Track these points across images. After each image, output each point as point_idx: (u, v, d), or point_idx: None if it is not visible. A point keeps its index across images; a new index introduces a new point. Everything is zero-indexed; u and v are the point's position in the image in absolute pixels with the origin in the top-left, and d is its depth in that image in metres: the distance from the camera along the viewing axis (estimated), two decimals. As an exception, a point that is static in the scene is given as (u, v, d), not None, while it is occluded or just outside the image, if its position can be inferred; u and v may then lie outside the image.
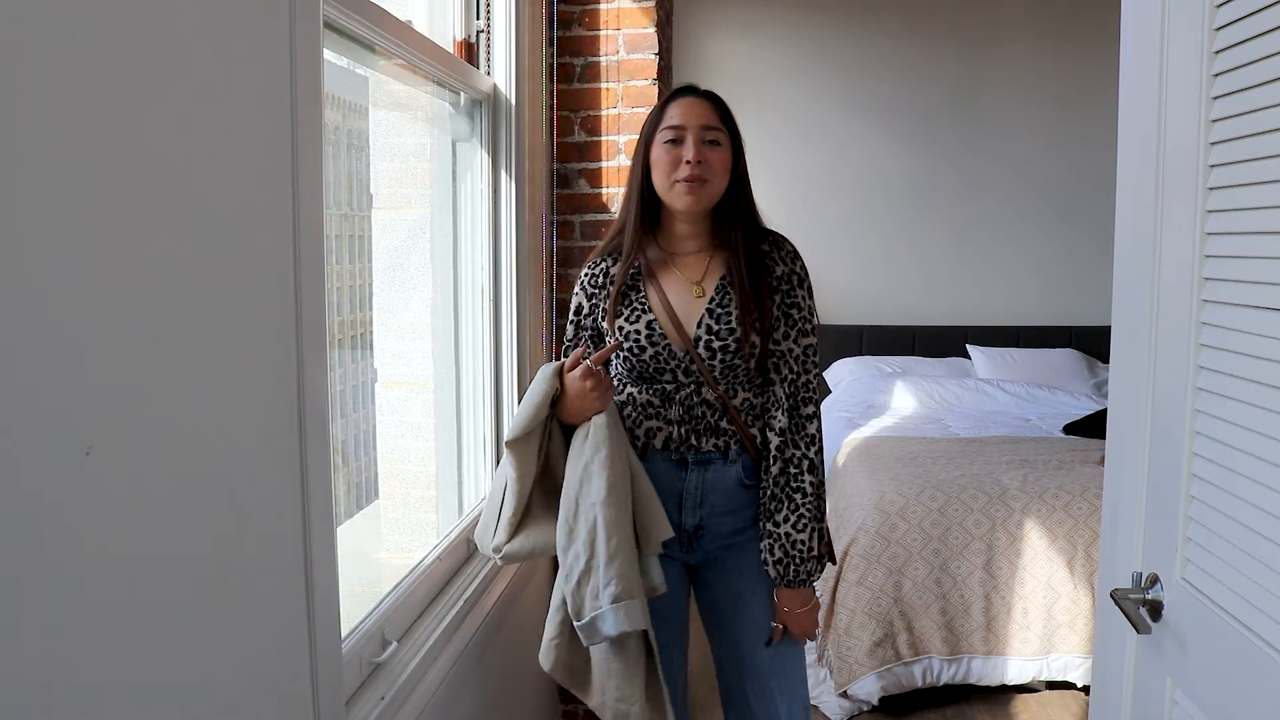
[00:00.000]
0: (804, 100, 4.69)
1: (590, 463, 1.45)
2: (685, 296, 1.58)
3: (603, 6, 2.35)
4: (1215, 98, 0.98)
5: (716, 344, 1.54)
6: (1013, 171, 4.69)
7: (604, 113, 2.38)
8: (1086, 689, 2.67)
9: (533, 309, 2.24)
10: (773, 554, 1.56)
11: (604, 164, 2.39)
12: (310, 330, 1.08)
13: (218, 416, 0.91)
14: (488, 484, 2.12)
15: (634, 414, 1.62)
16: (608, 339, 1.61)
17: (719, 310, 1.56)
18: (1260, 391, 0.91)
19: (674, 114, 1.55)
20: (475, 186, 2.06)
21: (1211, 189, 0.99)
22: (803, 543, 1.55)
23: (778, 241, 1.62)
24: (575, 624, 1.45)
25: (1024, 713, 2.75)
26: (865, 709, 2.69)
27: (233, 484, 0.94)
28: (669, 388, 1.58)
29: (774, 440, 1.57)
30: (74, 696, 0.72)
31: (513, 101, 2.08)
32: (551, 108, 2.36)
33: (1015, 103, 4.65)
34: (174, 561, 0.85)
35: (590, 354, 1.52)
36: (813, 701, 2.73)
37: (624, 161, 2.38)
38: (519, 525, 1.51)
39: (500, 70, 2.07)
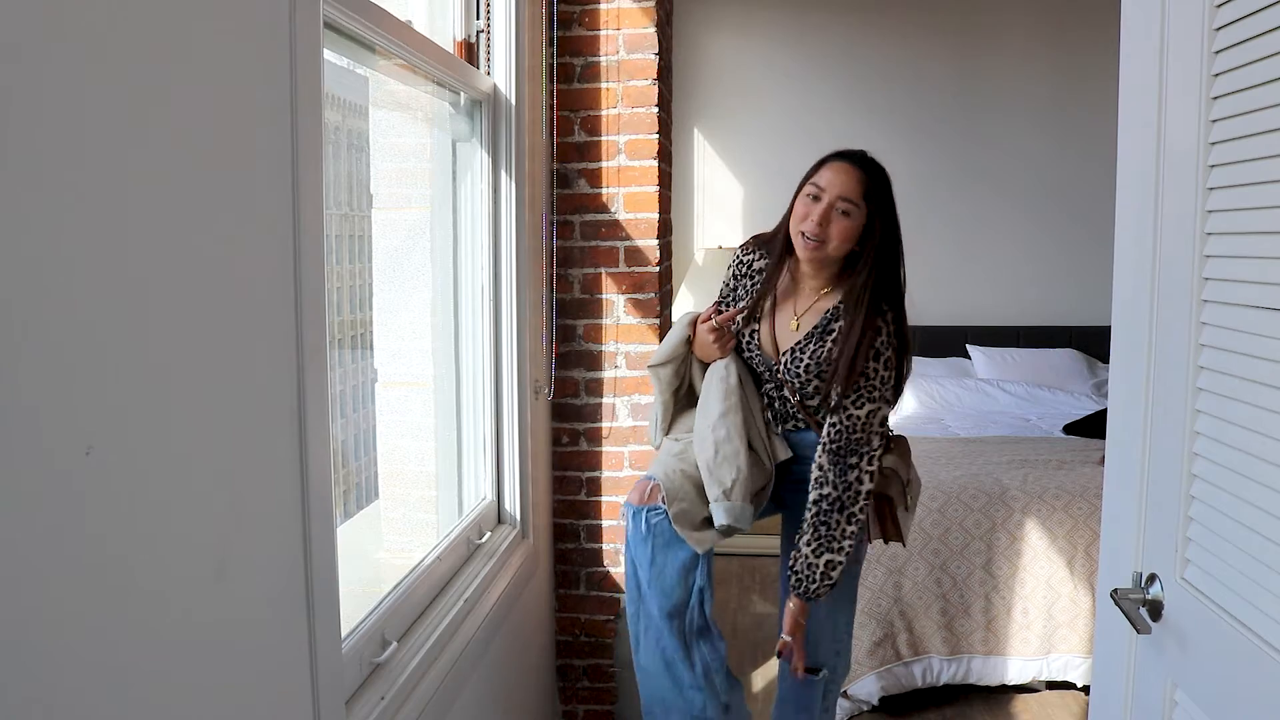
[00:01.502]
0: (803, 100, 4.69)
1: (710, 396, 1.80)
2: (786, 324, 1.81)
3: (603, 6, 2.35)
4: (1215, 98, 0.98)
5: (789, 377, 1.79)
6: (1013, 171, 4.69)
7: (604, 113, 2.38)
8: (1086, 689, 2.67)
9: (533, 309, 2.24)
10: (794, 569, 1.74)
11: (604, 164, 2.39)
12: (310, 330, 1.08)
13: (218, 416, 0.91)
14: (488, 483, 2.12)
15: None
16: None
17: (798, 354, 1.78)
18: (1260, 391, 0.91)
19: (823, 176, 1.72)
20: (475, 186, 2.06)
21: (1211, 189, 0.99)
22: (814, 565, 1.71)
23: (886, 321, 1.73)
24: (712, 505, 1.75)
25: (1024, 713, 2.75)
26: (865, 709, 2.69)
27: (233, 484, 0.94)
28: (763, 376, 1.85)
29: (814, 474, 1.74)
30: (74, 696, 0.72)
31: (513, 101, 2.08)
32: (551, 108, 2.36)
33: (1015, 102, 4.65)
34: (174, 561, 0.85)
35: (720, 311, 1.85)
36: (813, 701, 2.73)
37: (624, 161, 2.39)
38: (670, 426, 1.91)
39: (500, 70, 2.07)
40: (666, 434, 1.91)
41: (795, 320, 1.79)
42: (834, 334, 1.74)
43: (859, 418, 1.71)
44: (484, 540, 2.00)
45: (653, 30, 2.35)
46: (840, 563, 1.71)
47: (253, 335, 0.99)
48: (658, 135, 2.38)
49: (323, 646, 1.12)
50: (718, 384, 1.80)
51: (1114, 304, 1.22)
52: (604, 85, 2.37)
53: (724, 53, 4.72)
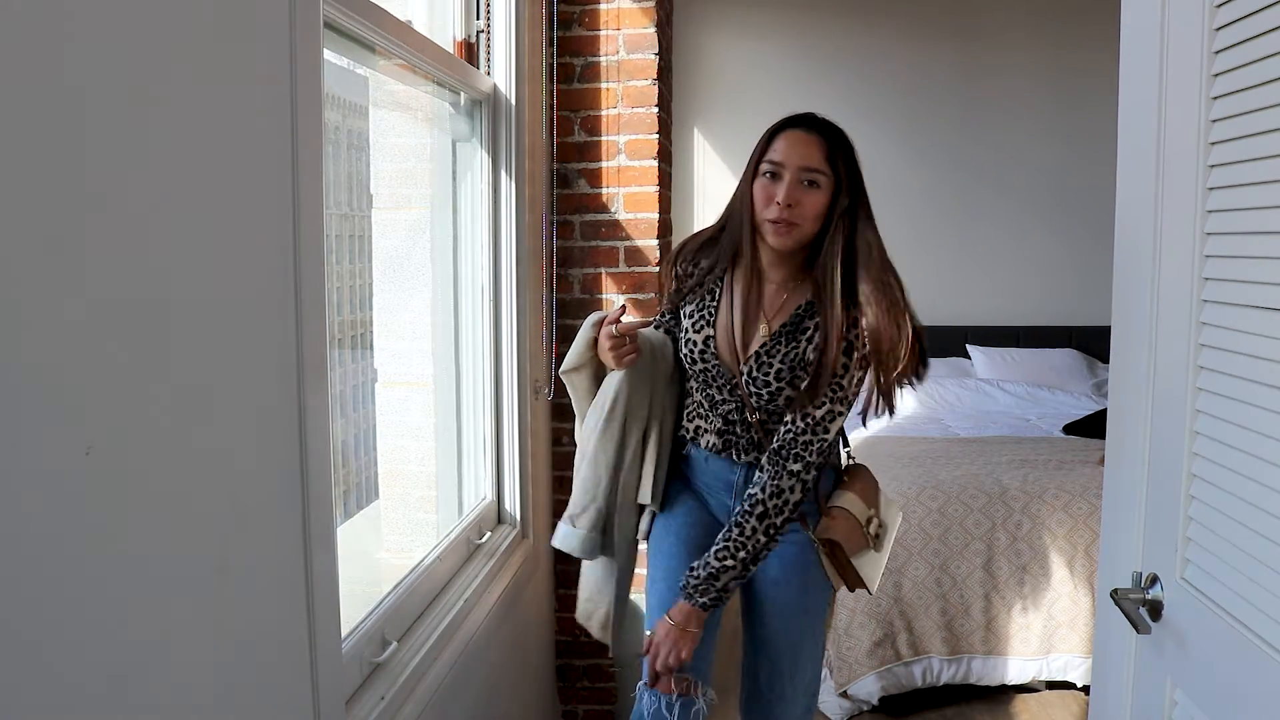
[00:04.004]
0: (803, 100, 4.64)
1: (593, 411, 1.65)
2: (752, 325, 1.57)
3: (603, 6, 2.35)
4: (1215, 98, 0.98)
5: (754, 388, 1.56)
6: (1012, 171, 4.69)
7: (604, 113, 2.38)
8: (1086, 689, 2.67)
9: (533, 309, 2.24)
10: (691, 566, 1.56)
11: (604, 164, 2.39)
12: (310, 330, 1.08)
13: (218, 416, 0.91)
14: (488, 483, 2.12)
15: (690, 406, 1.69)
16: (682, 322, 1.64)
17: (765, 357, 1.54)
18: (1260, 391, 0.91)
19: (778, 148, 1.51)
20: (475, 186, 2.06)
21: (1211, 189, 0.99)
22: (706, 564, 1.52)
23: (865, 307, 1.52)
24: None
25: (1024, 713, 2.75)
26: (865, 709, 2.69)
27: (233, 484, 0.94)
28: (717, 397, 1.61)
29: (769, 471, 1.53)
30: (74, 696, 0.72)
31: (513, 101, 2.08)
32: (551, 108, 2.36)
33: (1015, 102, 4.65)
34: (174, 561, 0.85)
35: (628, 314, 1.68)
36: (813, 701, 2.73)
37: (624, 161, 2.38)
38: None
39: (500, 70, 2.07)
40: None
41: (765, 321, 1.56)
42: (808, 331, 1.52)
43: (814, 418, 1.50)
44: (484, 540, 2.00)
45: (653, 30, 2.35)
46: (732, 571, 1.50)
47: (253, 335, 0.98)
48: (658, 135, 2.38)
49: (323, 646, 1.12)
50: (601, 400, 1.62)
51: (1114, 304, 1.22)
52: (604, 85, 2.37)
53: (724, 53, 4.72)
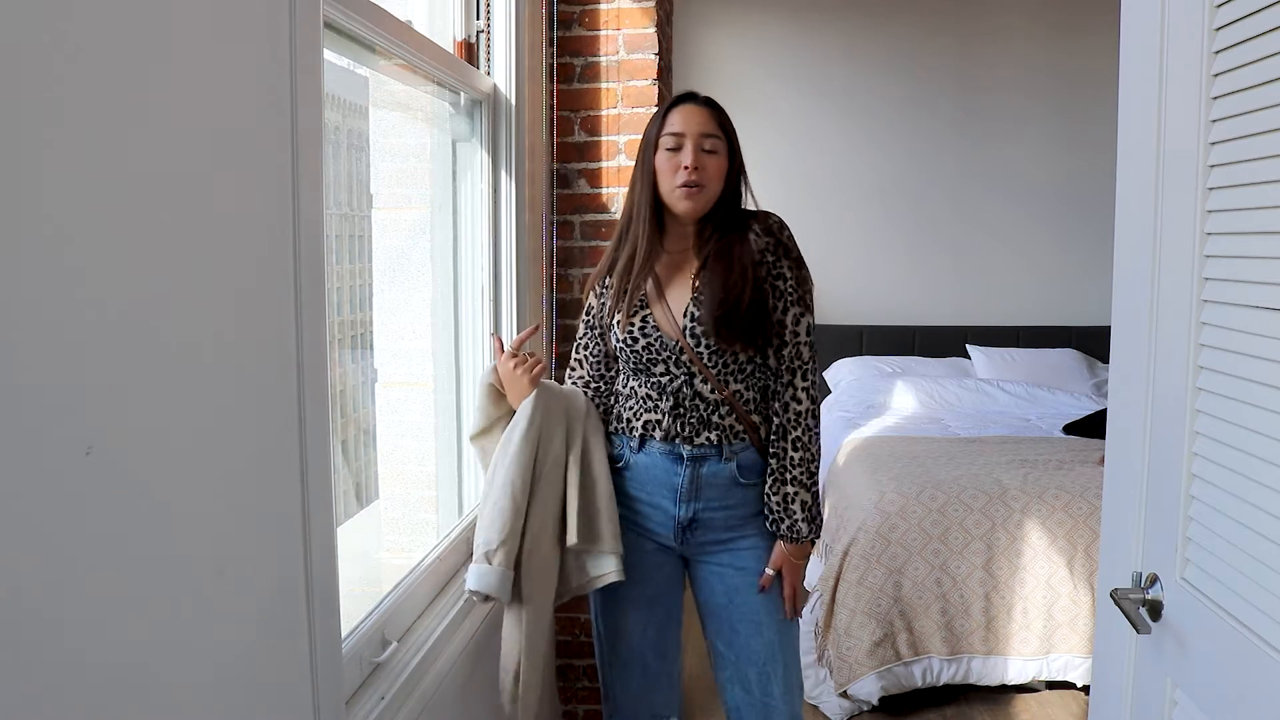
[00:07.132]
0: (803, 99, 4.69)
1: (510, 439, 1.60)
2: (680, 288, 1.65)
3: (603, 6, 2.35)
4: (1215, 98, 0.98)
5: (699, 329, 1.61)
6: (1012, 171, 4.69)
7: (604, 113, 2.38)
8: (1086, 689, 2.67)
9: (533, 309, 2.24)
10: (770, 510, 1.64)
11: (604, 164, 2.39)
12: (310, 330, 1.08)
13: (218, 416, 0.91)
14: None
15: (634, 406, 1.69)
16: (613, 334, 1.68)
17: (700, 297, 1.62)
18: (1260, 391, 0.91)
19: (675, 121, 1.62)
20: (475, 186, 2.06)
21: (1211, 189, 0.99)
22: (778, 504, 1.62)
23: (759, 216, 1.67)
24: None
25: (1024, 713, 2.75)
26: (865, 709, 2.69)
27: (232, 484, 0.94)
28: (664, 380, 1.65)
29: (773, 404, 1.65)
30: (74, 697, 0.72)
31: (513, 101, 2.08)
32: (551, 108, 2.36)
33: (1015, 102, 4.65)
34: (174, 561, 0.85)
35: (530, 340, 1.67)
36: (813, 701, 2.73)
37: (624, 161, 2.38)
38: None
39: (500, 70, 2.07)
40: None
41: (688, 275, 1.65)
42: (733, 256, 1.61)
43: (787, 324, 1.62)
44: (484, 540, 1.99)
45: (653, 30, 2.35)
46: (797, 495, 1.60)
47: (253, 335, 0.99)
48: (658, 135, 2.38)
49: (323, 646, 1.12)
50: (516, 425, 1.60)
51: (1114, 304, 1.22)
52: (604, 85, 2.37)
53: (723, 53, 4.72)
